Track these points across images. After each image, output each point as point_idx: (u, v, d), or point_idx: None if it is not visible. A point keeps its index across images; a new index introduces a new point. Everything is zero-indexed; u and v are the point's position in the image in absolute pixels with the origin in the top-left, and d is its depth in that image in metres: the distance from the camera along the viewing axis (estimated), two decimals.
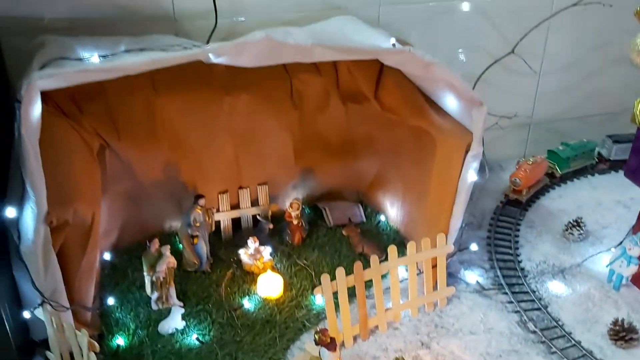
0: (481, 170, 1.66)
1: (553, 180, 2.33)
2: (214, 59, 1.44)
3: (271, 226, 1.98)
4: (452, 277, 1.86)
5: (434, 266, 1.73)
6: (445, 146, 1.70)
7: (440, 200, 1.73)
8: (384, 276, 1.66)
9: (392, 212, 2.06)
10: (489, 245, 2.00)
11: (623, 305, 1.76)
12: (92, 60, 1.38)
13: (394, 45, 1.56)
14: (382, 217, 2.10)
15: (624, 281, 1.81)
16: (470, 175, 1.63)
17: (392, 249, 1.66)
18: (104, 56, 1.41)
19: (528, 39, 2.17)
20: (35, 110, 1.30)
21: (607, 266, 1.85)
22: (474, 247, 1.89)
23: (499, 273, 1.87)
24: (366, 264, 1.64)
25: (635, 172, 1.77)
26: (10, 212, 1.39)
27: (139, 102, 1.70)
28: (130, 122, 1.71)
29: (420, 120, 1.76)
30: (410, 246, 1.68)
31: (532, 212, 2.18)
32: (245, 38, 1.43)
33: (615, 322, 1.64)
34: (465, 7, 2.15)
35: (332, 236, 2.02)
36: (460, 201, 1.68)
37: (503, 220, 2.12)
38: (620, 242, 1.86)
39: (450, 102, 1.69)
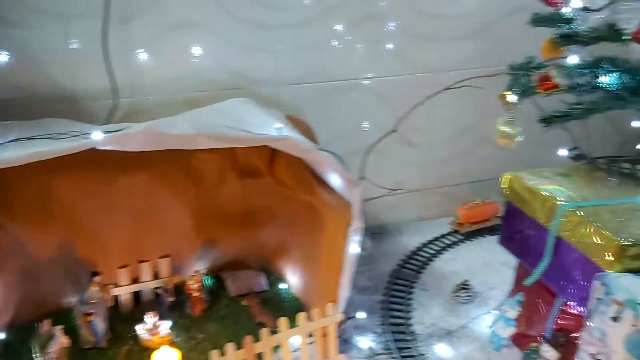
0: (364, 241, 1.78)
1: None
2: (101, 146, 1.51)
3: (171, 299, 2.02)
4: (346, 344, 1.94)
5: (326, 335, 1.81)
6: (331, 221, 1.81)
7: (329, 270, 1.83)
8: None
9: (293, 280, 2.15)
10: (384, 309, 2.11)
11: None
12: None
13: (279, 129, 1.68)
14: (285, 285, 2.18)
15: (503, 342, 1.94)
16: (353, 247, 1.74)
17: (283, 321, 1.72)
18: None
19: (416, 114, 2.37)
20: None
21: (489, 328, 1.98)
22: (361, 315, 1.98)
23: (390, 337, 1.97)
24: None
25: (508, 241, 1.92)
26: None
27: (33, 183, 1.74)
28: (24, 203, 1.74)
29: (309, 195, 1.87)
30: (301, 317, 1.75)
31: (427, 274, 2.31)
32: (127, 130, 1.51)
33: None
34: (360, 86, 2.33)
35: (234, 307, 2.07)
36: (346, 272, 1.78)
37: (398, 284, 2.24)
38: (501, 304, 2.00)
39: (335, 180, 1.81)
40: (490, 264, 2.37)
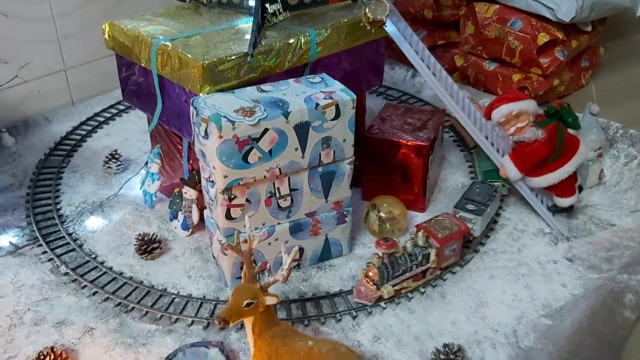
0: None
1: None
2: None
3: None
4: None
5: None
6: None
7: None
8: None
9: None
10: (28, 202, 1.93)
11: (154, 220, 1.87)
12: None
13: None
14: None
15: (154, 198, 1.92)
16: None
17: None
18: None
19: None
20: None
21: (140, 189, 1.94)
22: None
23: (35, 227, 1.82)
24: None
25: (128, 95, 1.85)
26: None
27: None
28: None
29: None
30: None
31: (77, 156, 2.16)
32: None
33: (137, 238, 1.73)
34: None
35: None
36: None
37: (45, 173, 2.06)
38: (146, 163, 1.96)
39: None
40: (144, 129, 2.29)
